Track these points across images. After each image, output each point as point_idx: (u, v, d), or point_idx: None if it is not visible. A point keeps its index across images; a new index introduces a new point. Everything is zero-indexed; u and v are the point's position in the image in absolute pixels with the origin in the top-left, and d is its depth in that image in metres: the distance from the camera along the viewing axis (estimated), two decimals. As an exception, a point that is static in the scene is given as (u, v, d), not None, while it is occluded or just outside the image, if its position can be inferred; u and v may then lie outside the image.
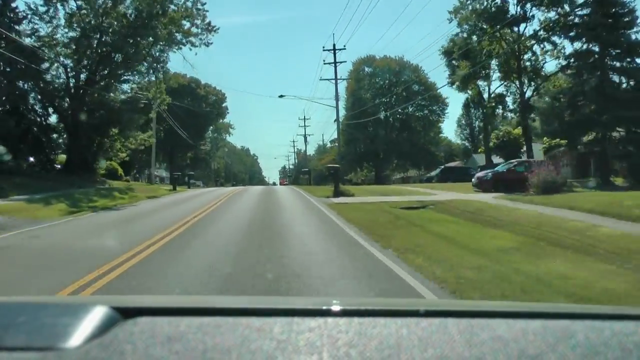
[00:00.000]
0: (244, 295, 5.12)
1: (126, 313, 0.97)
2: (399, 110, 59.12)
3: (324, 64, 43.71)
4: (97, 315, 0.95)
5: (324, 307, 1.09)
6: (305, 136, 75.97)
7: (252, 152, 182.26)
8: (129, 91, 31.25)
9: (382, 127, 58.97)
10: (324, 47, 43.56)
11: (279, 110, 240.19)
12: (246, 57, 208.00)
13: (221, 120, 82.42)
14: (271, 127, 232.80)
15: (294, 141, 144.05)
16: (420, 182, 53.05)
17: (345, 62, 53.81)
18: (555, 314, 1.09)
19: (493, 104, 42.77)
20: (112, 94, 30.58)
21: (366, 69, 60.22)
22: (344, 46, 43.83)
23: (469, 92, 44.79)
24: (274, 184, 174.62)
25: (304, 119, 77.75)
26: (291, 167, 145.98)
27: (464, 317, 1.00)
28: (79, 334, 0.88)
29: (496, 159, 46.36)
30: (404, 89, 57.87)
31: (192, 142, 57.04)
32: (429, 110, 59.73)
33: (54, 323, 0.93)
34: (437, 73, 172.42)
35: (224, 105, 65.00)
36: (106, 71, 29.55)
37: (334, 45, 42.90)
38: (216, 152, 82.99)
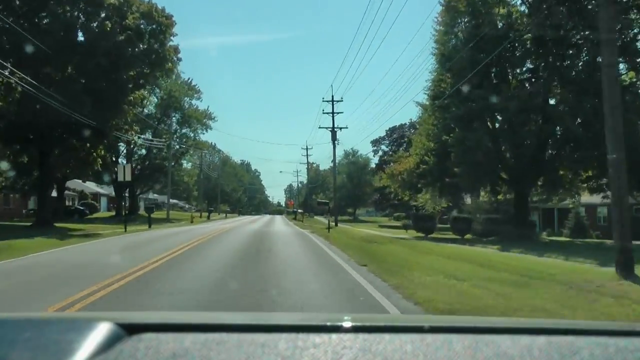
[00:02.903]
0: (249, 312, 4.91)
1: (131, 329, 0.96)
2: (560, 63, 26.09)
3: None
4: (101, 331, 0.94)
5: (329, 323, 1.08)
6: (333, 129, 42.59)
7: (254, 168, 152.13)
8: None
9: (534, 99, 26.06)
10: None
11: (283, 106, 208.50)
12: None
13: (190, 103, 48.84)
14: (274, 127, 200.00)
15: (307, 147, 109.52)
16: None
17: None
18: (560, 329, 1.09)
19: None
20: None
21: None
22: None
23: None
24: (279, 205, 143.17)
25: (333, 101, 43.29)
26: (301, 182, 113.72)
27: (469, 333, 1.00)
28: (84, 350, 0.87)
29: None
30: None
31: (83, 113, 23.84)
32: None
33: (59, 339, 0.91)
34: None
35: (170, 45, 29.25)
36: None
37: None
38: (180, 156, 49.76)
